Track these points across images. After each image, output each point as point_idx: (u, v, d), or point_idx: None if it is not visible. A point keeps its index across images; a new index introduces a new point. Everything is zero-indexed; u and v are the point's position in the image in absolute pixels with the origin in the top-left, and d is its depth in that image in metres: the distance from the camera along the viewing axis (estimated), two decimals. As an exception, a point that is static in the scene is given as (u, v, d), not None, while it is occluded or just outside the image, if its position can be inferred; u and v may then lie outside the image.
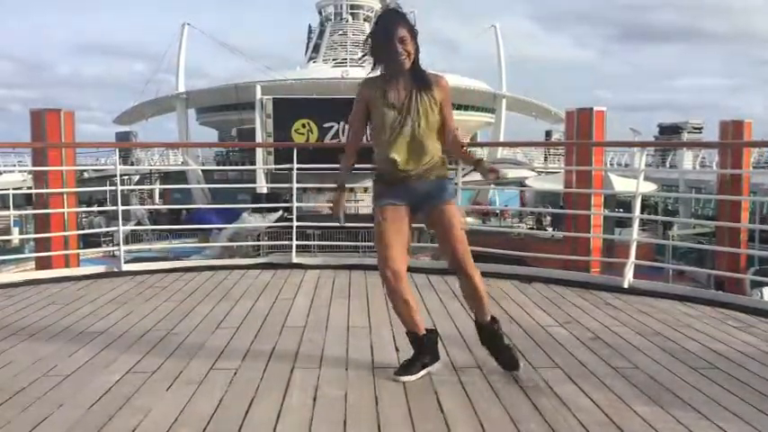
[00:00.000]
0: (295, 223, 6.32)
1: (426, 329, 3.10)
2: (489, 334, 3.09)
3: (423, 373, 2.98)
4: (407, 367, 2.99)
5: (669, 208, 27.78)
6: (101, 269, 5.90)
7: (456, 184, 6.72)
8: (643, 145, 6.11)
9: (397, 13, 2.97)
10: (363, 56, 3.04)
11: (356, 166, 3.25)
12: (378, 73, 3.00)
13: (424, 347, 3.05)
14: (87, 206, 22.03)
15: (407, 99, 2.92)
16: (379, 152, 3.01)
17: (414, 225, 3.07)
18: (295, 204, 6.44)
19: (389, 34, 2.86)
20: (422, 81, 2.94)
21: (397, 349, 3.41)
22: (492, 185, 23.24)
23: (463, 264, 3.01)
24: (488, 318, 3.08)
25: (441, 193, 3.01)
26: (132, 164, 36.59)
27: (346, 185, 3.22)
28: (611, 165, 33.32)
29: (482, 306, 3.07)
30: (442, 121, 3.00)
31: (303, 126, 30.45)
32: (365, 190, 31.82)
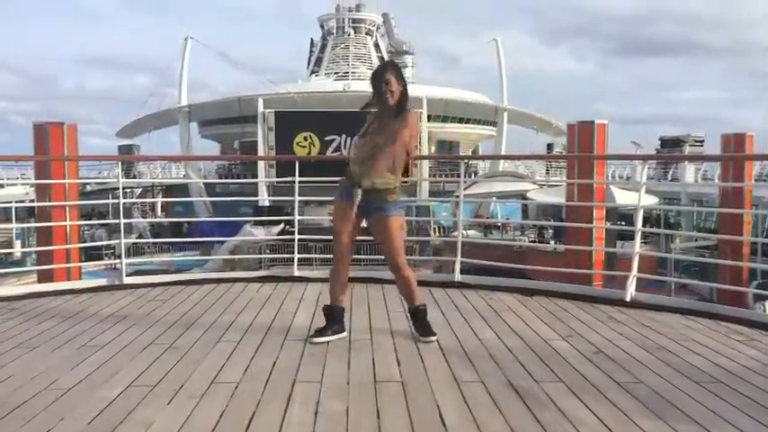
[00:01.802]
0: (297, 236, 6.31)
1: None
2: (416, 314, 3.94)
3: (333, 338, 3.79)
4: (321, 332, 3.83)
5: (671, 221, 27.74)
6: (102, 282, 5.90)
7: (457, 196, 6.73)
8: (645, 158, 6.12)
9: (391, 63, 4.22)
10: (367, 104, 3.89)
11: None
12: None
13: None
14: (89, 219, 22.03)
15: (380, 128, 3.77)
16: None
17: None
18: (297, 217, 6.43)
19: (379, 79, 3.72)
20: (397, 116, 3.75)
21: (398, 362, 3.40)
22: (494, 198, 23.31)
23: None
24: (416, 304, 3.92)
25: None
26: (134, 177, 36.65)
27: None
28: (612, 178, 33.35)
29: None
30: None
31: (305, 139, 30.56)
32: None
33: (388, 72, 3.77)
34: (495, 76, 45.15)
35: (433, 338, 3.83)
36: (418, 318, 3.94)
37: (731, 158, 15.95)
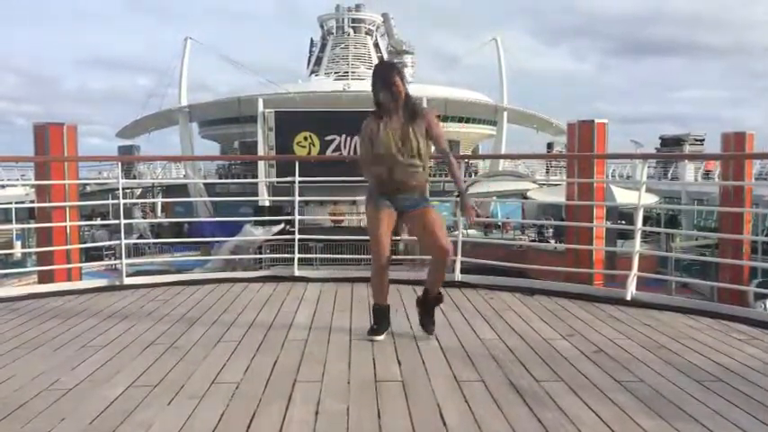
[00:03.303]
0: (297, 236, 6.31)
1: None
2: (430, 302, 3.96)
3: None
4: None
5: (672, 220, 27.74)
6: (103, 282, 5.90)
7: (458, 196, 6.70)
8: (645, 157, 6.12)
9: (390, 64, 4.22)
10: (376, 104, 3.79)
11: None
12: (375, 110, 3.81)
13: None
14: (89, 219, 22.03)
15: (400, 128, 3.71)
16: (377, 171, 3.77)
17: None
18: (297, 217, 6.43)
19: (386, 81, 3.72)
20: (411, 114, 3.76)
21: (399, 362, 3.40)
22: (494, 198, 23.30)
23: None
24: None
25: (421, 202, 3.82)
26: (135, 177, 36.65)
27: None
28: (612, 177, 33.35)
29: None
30: (434, 141, 3.82)
31: (305, 139, 30.54)
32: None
33: (394, 74, 3.76)
34: (495, 76, 45.19)
35: (431, 337, 3.88)
36: (430, 307, 3.98)
37: (732, 157, 15.95)
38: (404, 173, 3.73)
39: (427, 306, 3.99)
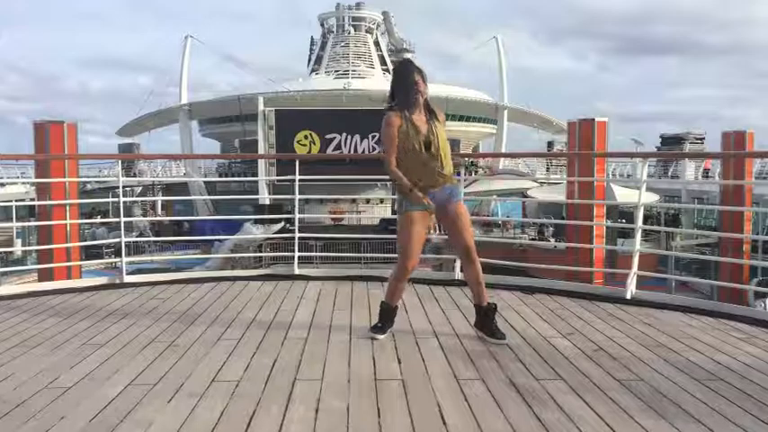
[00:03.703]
0: (297, 234, 6.31)
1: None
2: (489, 312, 3.87)
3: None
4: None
5: (673, 219, 27.73)
6: (103, 281, 5.90)
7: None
8: (645, 156, 6.10)
9: (411, 63, 4.06)
10: (392, 101, 3.84)
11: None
12: (395, 108, 3.82)
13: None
14: (89, 218, 22.04)
15: (427, 125, 3.79)
16: (410, 167, 3.78)
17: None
18: (297, 215, 6.43)
19: (409, 80, 3.78)
20: (431, 111, 3.86)
21: (399, 361, 3.40)
22: (494, 196, 23.31)
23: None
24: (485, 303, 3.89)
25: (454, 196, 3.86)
26: (135, 175, 36.64)
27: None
28: (613, 175, 33.34)
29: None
30: None
31: (305, 137, 30.53)
32: (367, 201, 31.88)
33: (415, 73, 3.80)
34: (496, 75, 45.18)
35: (504, 341, 3.75)
36: (490, 317, 3.87)
37: (732, 156, 15.95)
38: (435, 168, 3.76)
39: (486, 322, 3.87)
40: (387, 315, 3.96)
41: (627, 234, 16.22)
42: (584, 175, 11.89)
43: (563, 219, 17.75)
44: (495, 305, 3.90)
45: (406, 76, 3.81)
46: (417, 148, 3.74)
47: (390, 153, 3.79)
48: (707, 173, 31.49)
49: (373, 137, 28.80)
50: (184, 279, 5.98)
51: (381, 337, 3.84)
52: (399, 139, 3.76)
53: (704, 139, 38.03)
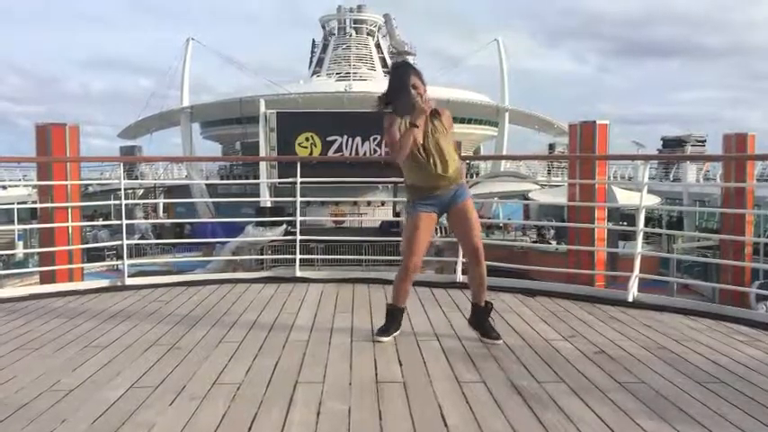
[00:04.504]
0: (298, 237, 6.32)
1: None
2: (483, 315, 3.90)
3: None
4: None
5: (673, 221, 27.71)
6: (104, 283, 5.90)
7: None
8: (646, 158, 6.12)
9: (409, 65, 4.04)
10: (386, 103, 3.78)
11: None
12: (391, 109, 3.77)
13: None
14: (91, 220, 22.07)
15: (429, 124, 3.73)
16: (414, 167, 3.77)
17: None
18: (299, 218, 6.43)
19: (405, 83, 3.70)
20: (433, 111, 3.76)
21: (400, 363, 3.40)
22: (495, 198, 23.30)
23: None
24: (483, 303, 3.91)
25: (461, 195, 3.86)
26: (137, 178, 36.73)
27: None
28: (614, 178, 33.33)
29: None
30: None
31: (307, 140, 30.56)
32: (368, 203, 31.87)
33: (412, 75, 3.74)
34: (497, 77, 45.20)
35: (498, 341, 3.79)
36: (485, 316, 3.91)
37: (733, 158, 15.93)
38: (432, 170, 3.72)
39: (481, 321, 3.91)
40: (393, 317, 3.93)
41: (628, 236, 16.21)
42: (585, 177, 11.89)
43: (564, 221, 17.74)
44: (492, 305, 3.92)
45: (401, 81, 3.74)
46: (414, 151, 3.71)
47: (396, 158, 3.76)
48: (707, 174, 31.46)
49: (374, 139, 28.84)
50: (186, 281, 5.98)
51: (386, 339, 3.82)
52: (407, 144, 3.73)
53: (705, 141, 37.99)
